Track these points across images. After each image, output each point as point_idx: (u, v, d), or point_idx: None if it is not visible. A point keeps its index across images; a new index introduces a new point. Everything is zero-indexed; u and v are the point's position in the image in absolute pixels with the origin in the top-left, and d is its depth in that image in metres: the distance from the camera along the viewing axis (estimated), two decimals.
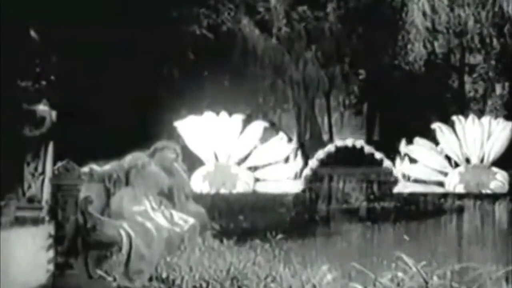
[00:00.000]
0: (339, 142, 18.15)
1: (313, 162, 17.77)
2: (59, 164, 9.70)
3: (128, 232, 9.88)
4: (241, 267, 9.04)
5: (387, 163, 17.56)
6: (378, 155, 17.73)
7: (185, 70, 19.01)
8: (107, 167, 10.79)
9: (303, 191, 16.76)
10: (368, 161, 17.59)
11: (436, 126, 17.35)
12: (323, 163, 17.80)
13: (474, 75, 23.50)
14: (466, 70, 23.28)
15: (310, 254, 9.82)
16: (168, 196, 11.09)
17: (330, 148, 18.06)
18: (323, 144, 19.41)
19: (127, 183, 10.82)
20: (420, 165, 17.19)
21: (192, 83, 18.44)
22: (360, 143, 17.95)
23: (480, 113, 18.12)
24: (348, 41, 20.53)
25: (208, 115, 16.95)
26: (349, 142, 18.01)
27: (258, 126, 17.17)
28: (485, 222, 15.23)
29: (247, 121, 17.16)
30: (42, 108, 9.90)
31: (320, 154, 17.91)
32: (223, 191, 16.17)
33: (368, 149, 17.86)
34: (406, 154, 17.36)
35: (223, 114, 17.02)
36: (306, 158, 17.65)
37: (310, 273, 8.70)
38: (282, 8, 19.81)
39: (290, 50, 19.03)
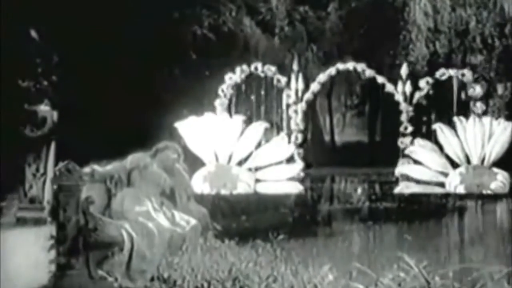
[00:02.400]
0: (340, 65, 18.13)
1: (315, 86, 17.84)
2: (61, 164, 9.71)
3: (130, 233, 9.90)
4: (243, 267, 9.06)
5: (389, 87, 17.67)
6: (380, 79, 17.80)
7: (187, 70, 19.00)
8: (109, 167, 10.81)
9: (305, 191, 16.74)
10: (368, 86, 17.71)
11: (437, 126, 17.31)
12: (324, 86, 17.93)
13: (476, 76, 23.47)
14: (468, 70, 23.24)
15: (311, 254, 9.84)
16: (169, 197, 11.10)
17: (331, 71, 18.05)
18: (324, 145, 19.41)
19: (128, 183, 10.84)
20: (421, 166, 17.15)
21: (193, 83, 18.43)
22: (361, 66, 17.94)
23: (482, 114, 18.12)
24: (350, 41, 20.52)
25: (209, 116, 16.93)
26: (350, 65, 18.00)
27: (259, 126, 17.14)
28: (486, 222, 15.22)
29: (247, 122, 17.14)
30: (43, 108, 9.92)
31: (322, 77, 17.93)
32: (223, 192, 16.14)
33: (369, 72, 17.89)
34: (407, 78, 17.59)
35: (224, 114, 17.00)
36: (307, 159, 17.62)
37: (312, 273, 8.72)
38: (283, 8, 19.79)
39: (291, 50, 19.00)
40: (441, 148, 17.12)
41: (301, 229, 13.38)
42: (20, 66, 11.96)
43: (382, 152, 18.01)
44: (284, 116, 17.71)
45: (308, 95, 17.69)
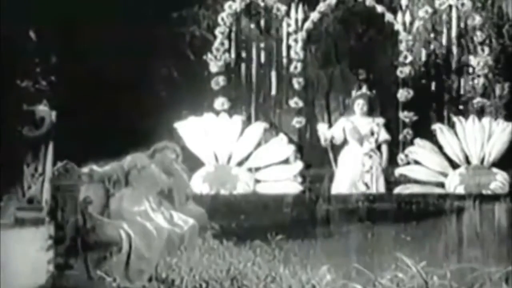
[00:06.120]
0: None
1: (314, 15, 17.95)
2: (59, 164, 9.71)
3: (128, 233, 9.91)
4: (241, 267, 9.08)
5: (388, 16, 17.89)
6: (379, 8, 17.98)
7: (185, 71, 19.02)
8: (107, 167, 10.83)
9: (303, 191, 16.73)
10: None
11: (437, 127, 17.33)
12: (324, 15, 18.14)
13: (474, 76, 23.39)
14: (466, 70, 23.21)
15: (310, 255, 9.85)
16: (168, 197, 11.11)
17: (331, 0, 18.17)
18: (323, 145, 19.32)
19: (126, 183, 10.86)
20: (420, 166, 17.15)
21: (192, 84, 18.45)
22: None
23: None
24: (347, 41, 20.50)
25: (208, 116, 16.95)
26: None
27: (258, 127, 17.16)
28: (485, 222, 15.21)
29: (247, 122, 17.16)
30: (41, 108, 9.93)
31: (322, 6, 18.00)
32: (223, 192, 16.14)
33: (369, 1, 18.01)
34: (407, 7, 17.86)
35: (223, 115, 17.02)
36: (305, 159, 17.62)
37: (310, 273, 8.72)
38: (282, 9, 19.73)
39: (289, 50, 19.00)
40: (440, 148, 17.13)
41: (299, 229, 13.37)
42: (18, 66, 11.99)
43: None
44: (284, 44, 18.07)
45: (308, 24, 17.87)
